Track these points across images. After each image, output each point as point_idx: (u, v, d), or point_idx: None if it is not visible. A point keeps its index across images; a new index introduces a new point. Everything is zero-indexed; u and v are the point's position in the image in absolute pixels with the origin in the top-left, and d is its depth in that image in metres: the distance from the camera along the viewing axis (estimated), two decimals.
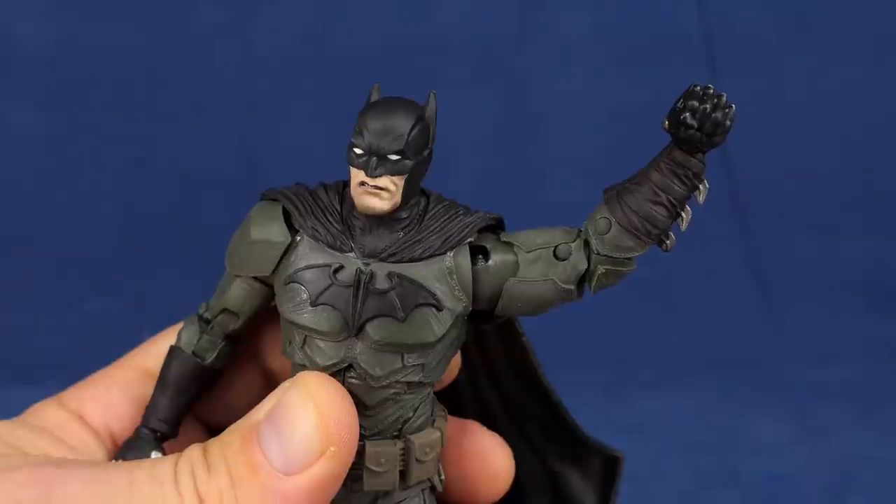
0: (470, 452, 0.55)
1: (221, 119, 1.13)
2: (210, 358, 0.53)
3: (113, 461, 0.52)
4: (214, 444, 0.47)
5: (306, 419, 0.46)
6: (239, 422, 0.48)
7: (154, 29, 1.13)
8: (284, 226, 0.50)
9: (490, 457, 0.55)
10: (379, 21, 1.15)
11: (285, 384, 0.48)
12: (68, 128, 1.12)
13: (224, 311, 0.53)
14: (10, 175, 1.12)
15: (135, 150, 1.13)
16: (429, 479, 0.52)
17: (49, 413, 0.53)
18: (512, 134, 1.18)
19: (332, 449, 0.46)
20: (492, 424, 0.58)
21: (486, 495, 0.56)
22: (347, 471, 0.47)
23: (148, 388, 0.54)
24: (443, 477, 0.53)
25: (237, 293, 0.52)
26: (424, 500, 0.52)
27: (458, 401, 0.58)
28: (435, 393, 0.53)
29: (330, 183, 0.51)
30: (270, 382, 0.55)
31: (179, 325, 0.54)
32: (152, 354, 0.55)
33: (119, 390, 0.54)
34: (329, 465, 0.46)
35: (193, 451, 0.47)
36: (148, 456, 0.51)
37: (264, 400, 0.48)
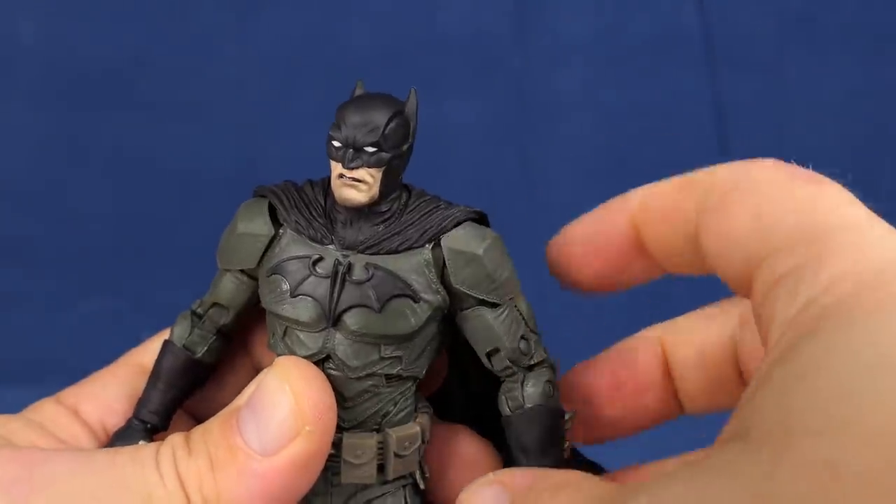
0: (457, 456, 0.55)
1: (221, 119, 1.13)
2: (201, 351, 0.54)
3: (101, 449, 0.52)
4: (197, 430, 0.48)
5: (282, 400, 0.47)
6: (221, 410, 0.49)
7: (154, 29, 1.13)
8: (269, 220, 0.51)
9: (477, 462, 0.55)
10: (379, 21, 1.15)
11: (264, 370, 0.49)
12: (68, 128, 1.12)
13: (215, 304, 0.53)
14: (10, 175, 1.12)
15: (134, 150, 1.13)
16: (411, 475, 0.52)
17: (45, 409, 0.53)
18: (512, 134, 1.18)
19: (308, 428, 0.46)
20: (483, 429, 0.57)
21: None
22: (326, 452, 0.48)
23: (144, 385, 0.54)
24: (427, 475, 0.53)
25: (227, 287, 0.53)
26: (406, 497, 0.52)
27: (448, 403, 0.58)
28: (426, 398, 0.53)
29: (317, 180, 0.52)
30: None
31: None
32: (150, 352, 0.56)
33: (115, 387, 0.54)
34: (305, 445, 0.46)
35: (176, 438, 0.48)
36: (136, 444, 0.52)
37: (246, 388, 0.49)
